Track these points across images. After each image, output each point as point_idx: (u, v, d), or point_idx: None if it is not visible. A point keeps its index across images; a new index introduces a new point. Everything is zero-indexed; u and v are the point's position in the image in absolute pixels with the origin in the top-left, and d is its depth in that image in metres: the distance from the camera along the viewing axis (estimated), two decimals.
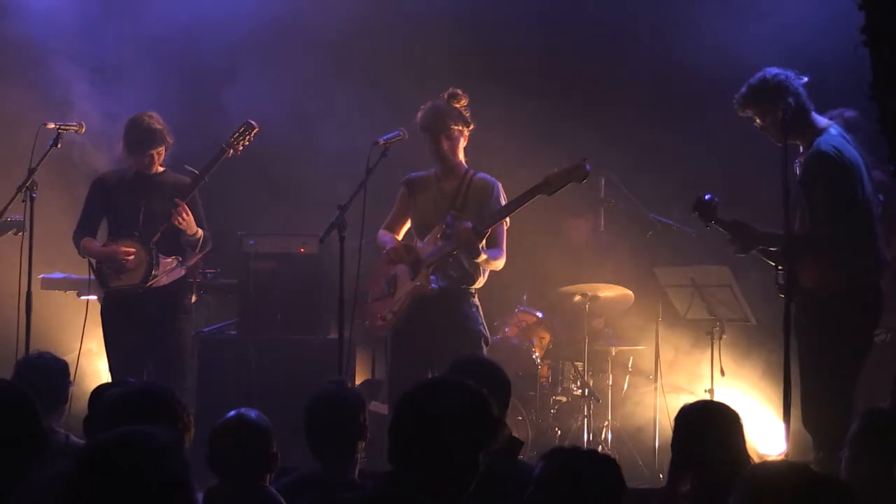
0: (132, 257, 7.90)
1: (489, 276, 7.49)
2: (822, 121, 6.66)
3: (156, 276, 7.91)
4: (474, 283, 7.40)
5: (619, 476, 3.61)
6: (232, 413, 4.78)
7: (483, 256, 7.19)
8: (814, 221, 6.54)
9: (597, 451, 3.73)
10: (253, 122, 8.04)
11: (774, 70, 6.64)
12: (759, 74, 6.65)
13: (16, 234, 8.22)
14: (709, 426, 4.58)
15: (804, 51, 7.79)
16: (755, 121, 6.67)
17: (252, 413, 4.76)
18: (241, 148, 8.01)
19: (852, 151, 6.53)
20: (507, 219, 7.31)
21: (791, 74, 6.61)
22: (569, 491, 3.52)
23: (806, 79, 6.62)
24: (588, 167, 7.09)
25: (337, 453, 4.91)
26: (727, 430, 4.58)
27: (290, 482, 4.83)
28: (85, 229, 8.11)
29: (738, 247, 6.72)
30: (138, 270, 7.92)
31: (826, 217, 6.48)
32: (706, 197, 6.74)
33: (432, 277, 7.30)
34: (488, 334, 7.50)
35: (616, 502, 3.57)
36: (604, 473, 3.58)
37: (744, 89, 6.66)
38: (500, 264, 7.37)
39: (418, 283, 7.31)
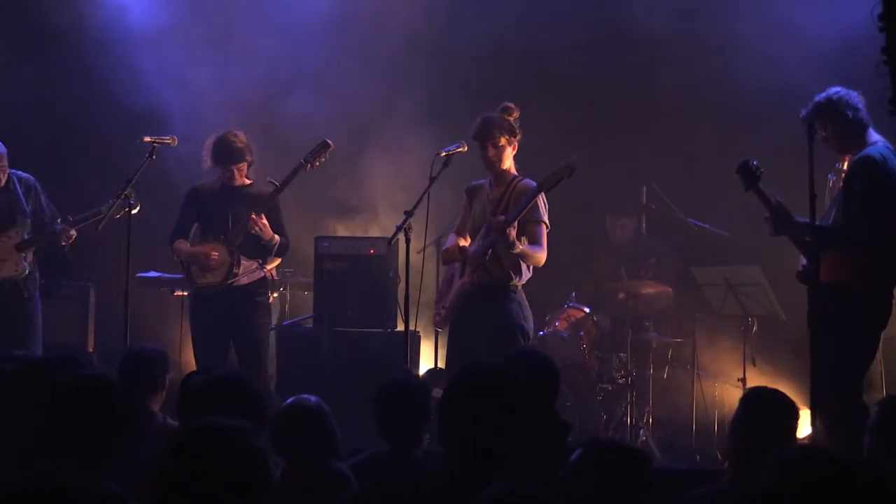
0: (215, 258, 8.05)
1: (543, 276, 7.50)
2: (875, 136, 6.67)
3: (236, 276, 8.03)
4: (513, 279, 7.33)
5: (649, 470, 3.61)
6: (290, 400, 4.85)
7: (519, 247, 7.08)
8: (847, 216, 6.53)
9: (630, 447, 3.69)
10: (329, 141, 8.08)
11: (836, 88, 6.66)
12: (823, 93, 6.67)
13: (130, 212, 8.09)
14: (775, 413, 4.54)
15: (839, 66, 7.74)
16: (819, 133, 6.65)
17: (309, 398, 4.82)
18: (317, 164, 8.08)
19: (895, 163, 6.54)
20: (546, 220, 7.27)
21: (853, 93, 6.62)
22: (599, 479, 3.51)
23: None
24: (576, 164, 6.98)
25: (405, 435, 4.94)
26: (790, 419, 4.55)
27: (361, 461, 4.88)
28: (178, 233, 8.26)
29: (773, 228, 6.65)
30: (221, 270, 8.06)
31: (860, 212, 6.47)
32: (753, 163, 6.69)
33: (475, 275, 7.34)
34: (530, 329, 7.43)
35: (642, 494, 3.57)
36: (634, 467, 3.57)
37: (810, 105, 6.67)
38: (539, 258, 7.27)
39: (463, 280, 7.37)
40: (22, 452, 3.74)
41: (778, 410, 4.54)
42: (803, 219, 6.52)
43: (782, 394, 4.67)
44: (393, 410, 4.97)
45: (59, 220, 8.58)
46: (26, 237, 8.48)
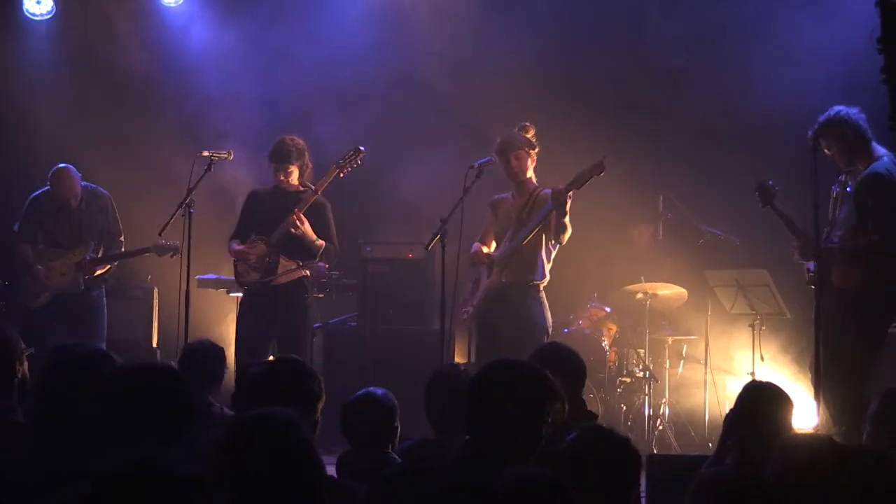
0: (255, 256, 7.93)
1: (567, 278, 7.51)
2: (880, 150, 6.63)
3: (275, 275, 7.88)
4: (535, 278, 7.39)
5: (632, 455, 3.59)
6: (362, 391, 4.85)
7: (566, 217, 7.19)
8: (862, 231, 6.49)
9: (616, 432, 3.67)
10: (361, 147, 7.97)
11: (839, 107, 6.63)
12: (827, 112, 6.64)
13: (172, 256, 8.32)
14: (770, 404, 4.53)
15: (845, 83, 7.69)
16: (825, 150, 6.61)
17: (379, 391, 4.82)
18: (348, 169, 7.95)
19: None
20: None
21: (853, 110, 6.58)
22: (587, 461, 3.52)
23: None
24: (606, 164, 7.10)
25: (452, 423, 4.93)
26: (783, 410, 4.53)
27: (411, 447, 4.88)
28: (236, 234, 8.14)
29: (800, 255, 6.73)
30: (261, 268, 7.92)
31: (874, 227, 6.44)
32: (769, 182, 6.73)
33: (502, 274, 7.37)
34: (549, 327, 7.46)
35: (624, 477, 3.55)
36: (617, 451, 3.57)
37: (815, 125, 6.64)
38: (568, 233, 7.31)
39: (491, 279, 7.40)
40: (86, 440, 3.72)
41: (769, 401, 4.53)
42: (831, 244, 6.50)
43: (775, 386, 4.68)
44: (441, 400, 4.96)
45: (121, 238, 8.74)
46: (87, 258, 8.63)
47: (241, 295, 8.32)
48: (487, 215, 7.73)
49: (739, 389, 4.68)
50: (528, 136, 7.49)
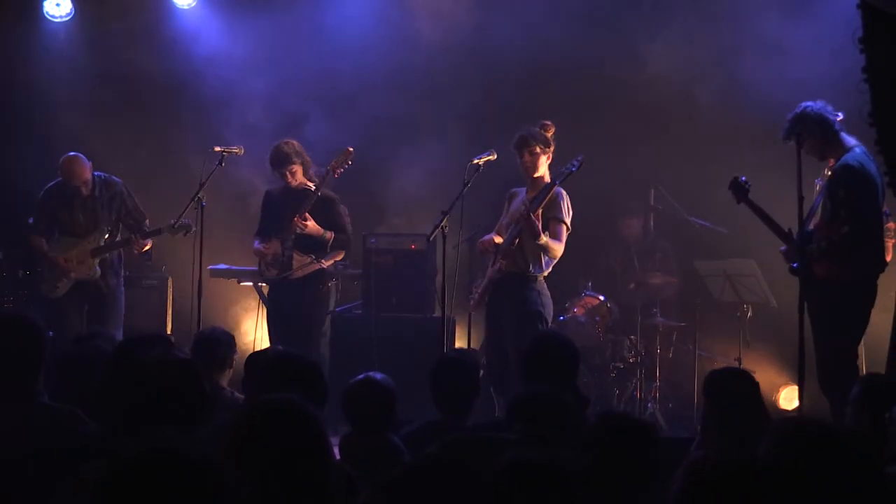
0: (271, 254, 8.04)
1: (563, 269, 7.48)
2: (850, 141, 6.59)
3: (291, 270, 8.00)
4: (532, 270, 7.33)
5: (653, 439, 3.64)
6: (362, 375, 4.83)
7: (543, 239, 7.14)
8: (835, 220, 6.47)
9: (636, 418, 3.72)
10: (350, 148, 8.03)
11: (807, 103, 6.61)
12: (794, 109, 6.61)
13: (185, 234, 8.26)
14: (732, 387, 4.54)
15: (829, 82, 7.67)
16: (798, 146, 6.58)
17: (378, 375, 4.80)
18: (340, 170, 8.04)
19: (872, 167, 6.46)
20: (568, 222, 7.33)
21: (818, 104, 6.56)
22: (614, 446, 3.56)
23: (841, 115, 6.56)
24: (582, 161, 7.17)
25: (457, 406, 4.91)
26: (747, 391, 4.54)
27: (415, 430, 4.86)
28: (258, 233, 8.33)
29: (787, 259, 6.70)
30: (277, 265, 8.08)
31: (846, 217, 6.42)
32: (742, 179, 6.70)
33: (503, 264, 7.33)
34: (548, 315, 7.42)
35: (645, 458, 3.60)
36: (638, 436, 3.63)
37: (786, 122, 6.62)
38: (556, 251, 7.28)
39: (495, 268, 7.38)
40: (114, 423, 3.71)
41: (732, 385, 4.55)
42: (814, 246, 6.48)
43: (735, 370, 4.69)
44: (448, 383, 4.95)
45: (146, 222, 8.62)
46: (102, 244, 8.53)
47: (250, 285, 8.40)
48: (505, 205, 7.71)
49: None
50: (547, 134, 7.45)
